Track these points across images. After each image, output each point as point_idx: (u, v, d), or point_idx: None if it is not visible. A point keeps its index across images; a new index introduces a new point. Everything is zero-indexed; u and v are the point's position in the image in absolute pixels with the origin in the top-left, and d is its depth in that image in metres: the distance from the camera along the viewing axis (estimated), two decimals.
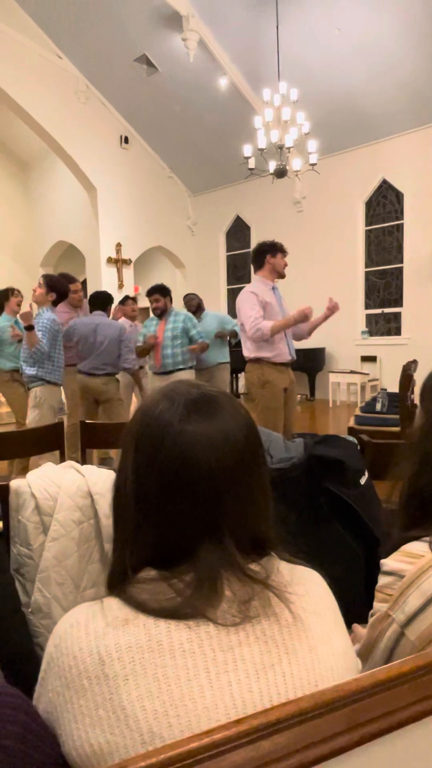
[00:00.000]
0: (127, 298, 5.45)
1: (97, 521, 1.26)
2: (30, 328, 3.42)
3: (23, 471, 3.78)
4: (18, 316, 3.98)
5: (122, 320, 5.07)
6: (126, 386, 4.78)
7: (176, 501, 0.59)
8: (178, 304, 4.69)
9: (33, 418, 3.61)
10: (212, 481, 0.59)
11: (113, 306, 5.10)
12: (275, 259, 3.44)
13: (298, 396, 3.86)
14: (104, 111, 8.90)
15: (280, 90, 6.36)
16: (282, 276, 3.51)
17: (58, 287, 3.62)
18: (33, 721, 0.48)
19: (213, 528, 0.59)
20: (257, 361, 3.34)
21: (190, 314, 4.58)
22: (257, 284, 3.42)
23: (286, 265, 3.50)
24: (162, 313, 4.34)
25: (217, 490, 0.59)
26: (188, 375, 4.34)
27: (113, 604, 0.58)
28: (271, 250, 3.44)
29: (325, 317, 3.43)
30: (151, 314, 4.51)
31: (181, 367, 4.30)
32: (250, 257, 3.64)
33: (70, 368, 4.32)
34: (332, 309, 3.36)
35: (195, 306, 5.08)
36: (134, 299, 5.46)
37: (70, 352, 4.20)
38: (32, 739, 0.46)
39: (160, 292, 4.33)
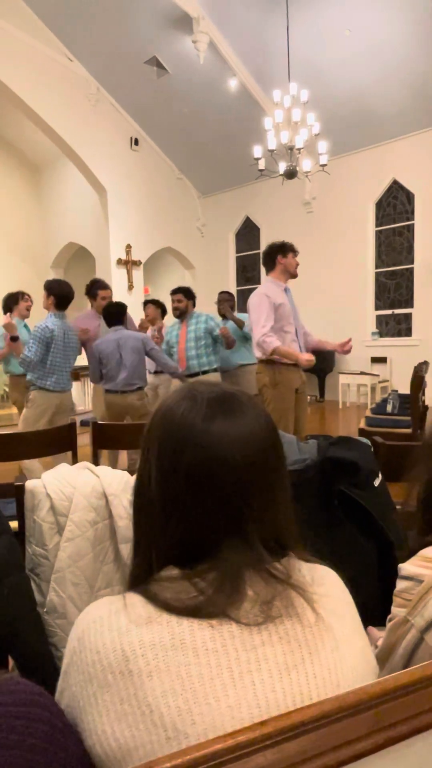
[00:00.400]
0: (146, 303, 5.24)
1: (112, 522, 1.27)
2: (15, 339, 3.44)
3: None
4: (1, 326, 3.97)
5: (149, 330, 4.84)
6: (151, 391, 4.57)
7: (202, 500, 0.59)
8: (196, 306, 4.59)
9: (21, 418, 3.63)
10: (238, 479, 0.59)
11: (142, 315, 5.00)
12: (286, 260, 3.43)
13: (308, 397, 3.84)
14: (114, 113, 8.94)
15: (290, 91, 6.35)
16: (294, 276, 3.50)
17: (56, 290, 3.59)
18: (58, 719, 0.49)
19: (237, 527, 0.60)
20: (269, 362, 3.34)
21: (210, 314, 4.49)
22: (269, 286, 3.41)
23: (297, 264, 3.49)
24: (181, 315, 4.34)
25: (242, 489, 0.59)
26: (213, 378, 4.26)
27: (136, 602, 0.58)
28: (282, 250, 3.44)
29: (333, 349, 3.49)
30: (171, 315, 4.46)
31: (206, 369, 4.27)
32: (261, 259, 3.64)
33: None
34: (345, 351, 3.37)
35: (228, 307, 4.87)
36: (155, 302, 5.20)
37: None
38: (58, 737, 0.47)
39: (184, 293, 4.33)
